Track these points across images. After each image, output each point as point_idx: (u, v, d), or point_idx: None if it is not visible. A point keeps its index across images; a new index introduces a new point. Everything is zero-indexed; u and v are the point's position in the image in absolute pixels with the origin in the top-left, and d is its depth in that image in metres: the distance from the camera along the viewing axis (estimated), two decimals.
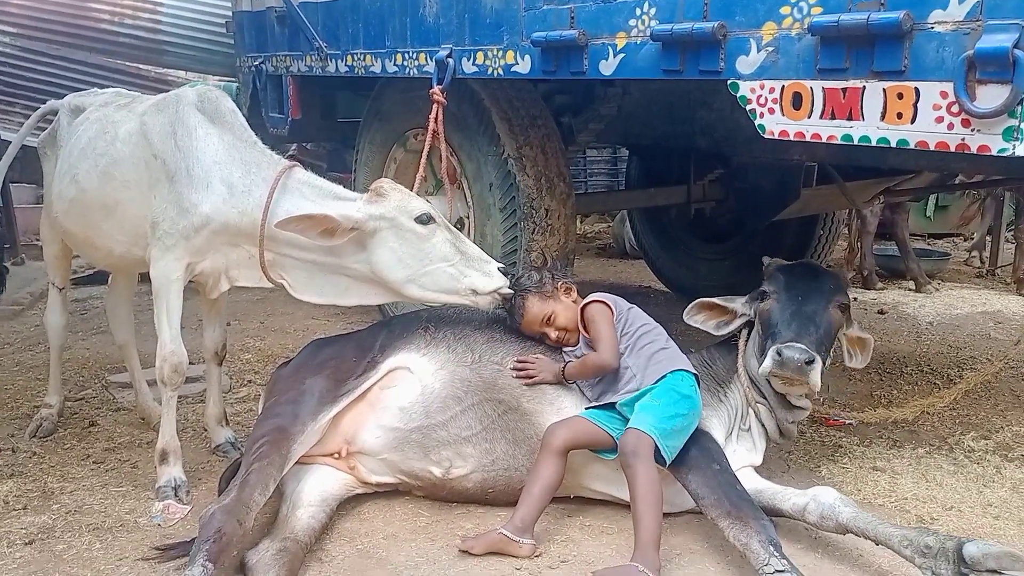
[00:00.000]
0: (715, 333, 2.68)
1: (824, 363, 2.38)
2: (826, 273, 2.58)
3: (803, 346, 2.33)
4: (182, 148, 2.54)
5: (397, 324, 2.76)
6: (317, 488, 2.49)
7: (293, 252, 2.53)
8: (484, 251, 3.52)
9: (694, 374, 2.46)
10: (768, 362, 2.37)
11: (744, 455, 2.55)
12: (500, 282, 2.49)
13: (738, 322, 2.64)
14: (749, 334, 2.63)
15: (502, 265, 2.55)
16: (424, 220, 2.46)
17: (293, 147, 6.57)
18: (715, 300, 2.69)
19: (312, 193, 2.53)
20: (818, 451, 3.02)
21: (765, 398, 2.54)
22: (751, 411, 2.56)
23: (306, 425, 2.43)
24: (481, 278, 2.48)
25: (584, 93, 4.11)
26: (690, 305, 2.70)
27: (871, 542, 2.18)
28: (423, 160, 3.23)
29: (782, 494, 2.38)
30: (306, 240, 2.45)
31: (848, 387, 3.68)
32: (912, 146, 1.94)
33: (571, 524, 2.49)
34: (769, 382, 2.49)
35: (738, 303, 2.65)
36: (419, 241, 2.45)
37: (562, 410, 2.49)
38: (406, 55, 3.49)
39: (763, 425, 2.56)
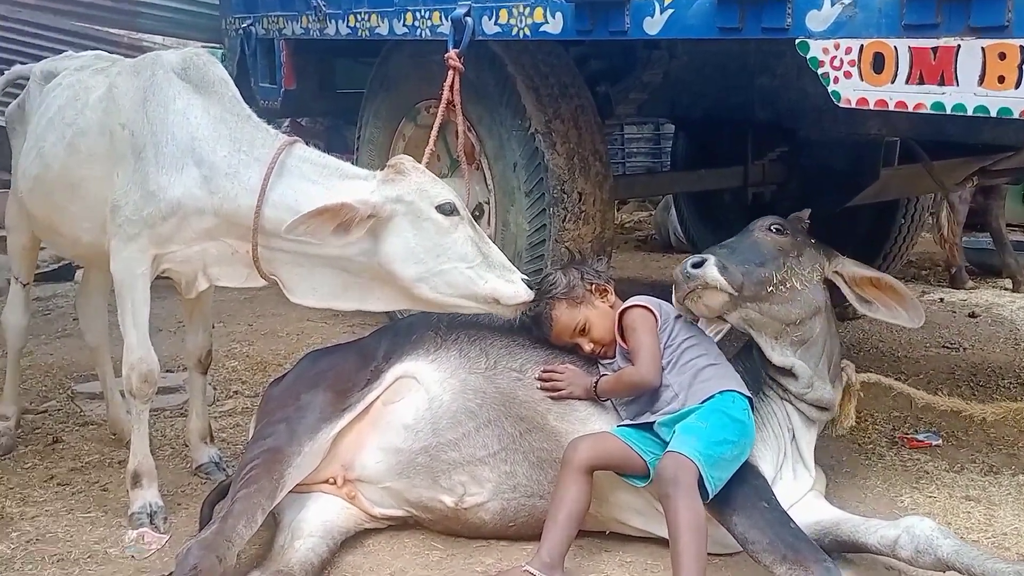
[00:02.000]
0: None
1: (751, 276, 2.42)
2: (763, 216, 2.66)
3: (693, 255, 2.46)
4: (152, 119, 2.53)
5: (404, 327, 2.75)
6: (320, 518, 2.48)
7: (284, 244, 2.50)
8: (508, 241, 3.53)
9: (747, 396, 2.42)
10: (674, 296, 2.48)
11: (805, 478, 2.53)
12: (524, 294, 2.45)
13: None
14: None
15: (526, 277, 2.51)
16: (447, 210, 2.43)
17: (286, 123, 6.59)
18: None
19: (314, 172, 2.50)
20: (899, 478, 2.98)
21: (788, 391, 2.52)
22: (787, 410, 2.53)
23: (303, 445, 2.42)
24: (504, 285, 2.44)
25: (624, 57, 4.07)
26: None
27: None
28: (434, 134, 3.21)
29: (865, 526, 2.35)
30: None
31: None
32: (1016, 116, 1.90)
33: (608, 560, 2.46)
34: (772, 374, 2.52)
35: None
36: (438, 234, 2.42)
37: (595, 431, 2.46)
38: (417, 14, 3.47)
39: (805, 416, 2.53)
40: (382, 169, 2.52)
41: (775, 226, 2.58)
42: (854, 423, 2.70)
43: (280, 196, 2.46)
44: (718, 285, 2.40)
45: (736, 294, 2.41)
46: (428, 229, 2.42)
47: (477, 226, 2.53)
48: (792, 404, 2.54)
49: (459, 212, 2.45)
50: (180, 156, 2.50)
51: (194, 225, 2.53)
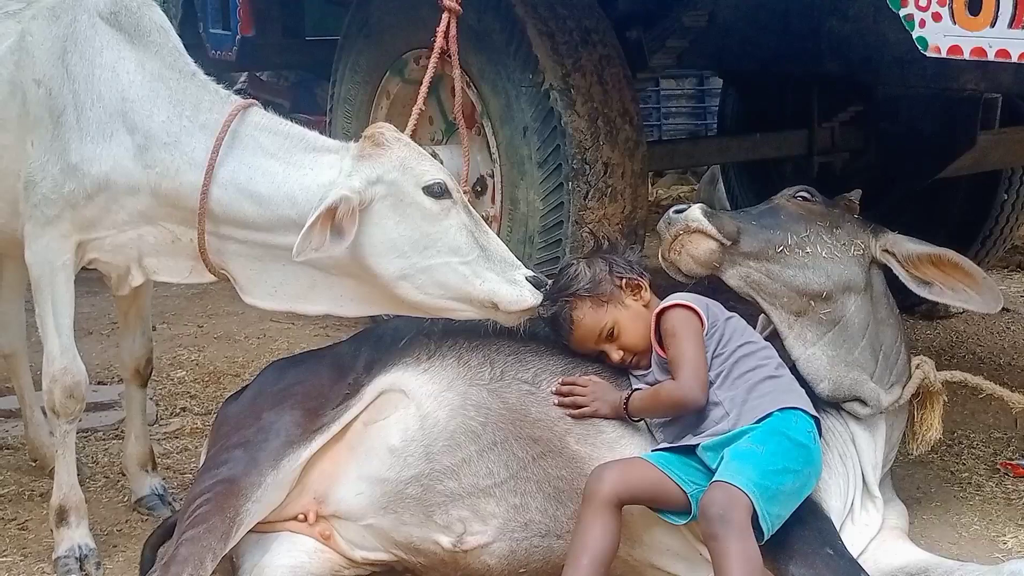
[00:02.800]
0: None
1: (757, 232, 2.58)
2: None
3: None
4: (75, 76, 2.53)
5: (389, 331, 2.76)
6: (288, 563, 2.50)
7: (237, 232, 2.52)
8: (518, 222, 3.53)
9: (814, 416, 2.43)
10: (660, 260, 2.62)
11: (872, 509, 2.55)
12: (530, 298, 2.45)
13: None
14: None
15: (533, 274, 2.51)
16: (436, 192, 2.43)
17: (243, 78, 6.61)
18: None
19: (274, 143, 2.51)
20: (1001, 512, 2.99)
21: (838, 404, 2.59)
22: (844, 419, 2.58)
23: (265, 475, 2.43)
24: (506, 287, 2.44)
25: None
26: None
27: None
28: (424, 90, 3.21)
29: (961, 572, 2.38)
30: (258, 212, 2.43)
31: None
32: None
33: None
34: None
35: None
36: (425, 222, 2.43)
37: (624, 457, 2.47)
38: None
39: (859, 421, 2.58)
40: (357, 139, 2.52)
41: (802, 194, 2.72)
42: (939, 436, 2.71)
43: (231, 173, 2.47)
44: (700, 227, 2.54)
45: (727, 243, 2.56)
46: (413, 216, 2.42)
47: (474, 212, 2.54)
48: (845, 411, 2.59)
49: (451, 194, 2.46)
50: (108, 121, 2.51)
51: (127, 206, 2.54)
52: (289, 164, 2.48)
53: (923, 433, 2.69)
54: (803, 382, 2.55)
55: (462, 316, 2.52)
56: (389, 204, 2.43)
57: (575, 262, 2.68)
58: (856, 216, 2.76)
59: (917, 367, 2.66)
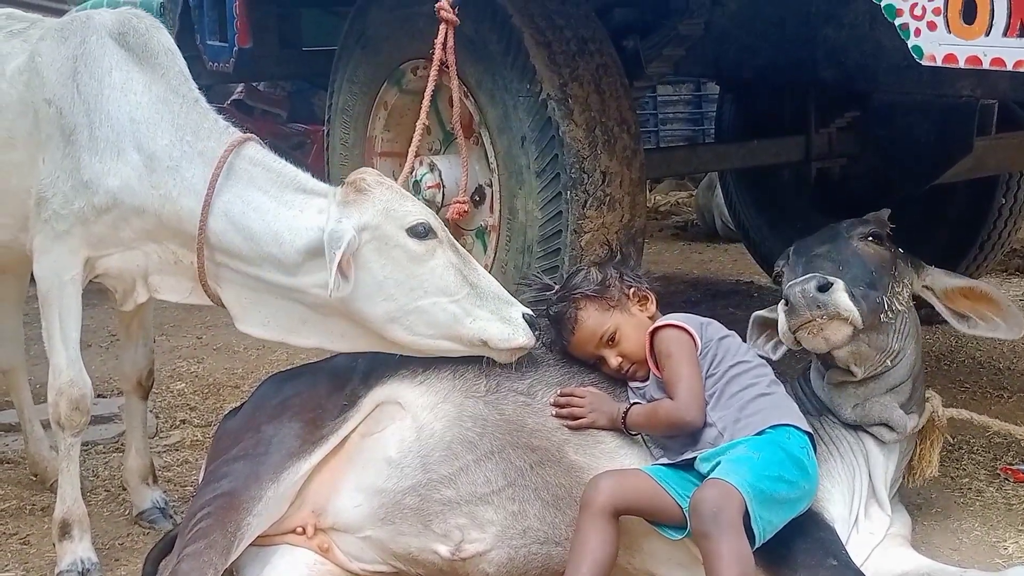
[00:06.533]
0: (773, 358, 2.73)
1: (868, 302, 2.44)
2: (848, 220, 2.71)
3: (811, 274, 2.43)
4: (86, 95, 2.56)
5: None
6: (288, 575, 2.51)
7: (232, 262, 2.55)
8: (516, 232, 3.54)
9: (808, 433, 2.44)
10: (782, 321, 2.45)
11: (879, 518, 2.56)
12: (524, 337, 2.46)
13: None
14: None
15: (528, 311, 2.51)
16: (420, 232, 2.45)
17: (240, 88, 6.61)
18: (765, 312, 2.79)
19: (266, 179, 2.55)
20: (1001, 518, 2.98)
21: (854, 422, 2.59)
22: (859, 434, 2.59)
23: (265, 489, 2.44)
24: (497, 325, 2.46)
25: (656, 4, 4.08)
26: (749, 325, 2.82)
27: None
28: (426, 103, 3.22)
29: None
30: (247, 246, 2.46)
31: None
32: None
33: None
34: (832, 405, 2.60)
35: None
36: (411, 263, 2.45)
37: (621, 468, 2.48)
38: None
39: (877, 440, 2.59)
40: (343, 184, 2.54)
41: (872, 235, 2.62)
42: (936, 473, 2.77)
43: (226, 204, 2.51)
44: (850, 317, 2.39)
45: (862, 327, 2.43)
46: (399, 258, 2.44)
47: (462, 250, 2.55)
48: (873, 434, 2.59)
49: (436, 233, 2.47)
50: (116, 139, 2.55)
51: (134, 224, 2.58)
52: (280, 202, 2.51)
53: (921, 469, 2.73)
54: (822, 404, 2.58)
55: (454, 354, 2.53)
56: (374, 248, 2.44)
57: (587, 267, 2.72)
58: (900, 251, 2.69)
59: (927, 400, 2.68)
